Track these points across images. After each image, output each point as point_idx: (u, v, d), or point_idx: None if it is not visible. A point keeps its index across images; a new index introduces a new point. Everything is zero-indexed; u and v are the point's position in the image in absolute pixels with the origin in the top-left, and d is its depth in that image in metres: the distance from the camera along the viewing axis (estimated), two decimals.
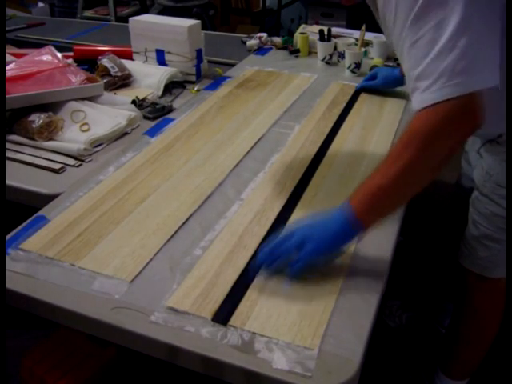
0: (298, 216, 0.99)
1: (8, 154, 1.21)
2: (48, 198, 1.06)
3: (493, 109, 0.95)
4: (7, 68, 1.40)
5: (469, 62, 0.72)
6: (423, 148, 0.76)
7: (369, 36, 1.80)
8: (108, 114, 1.35)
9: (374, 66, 1.70)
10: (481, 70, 0.73)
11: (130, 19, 1.71)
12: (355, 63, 1.69)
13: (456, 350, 1.32)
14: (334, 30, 1.97)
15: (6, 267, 0.85)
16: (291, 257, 0.81)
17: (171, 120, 1.39)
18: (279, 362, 0.69)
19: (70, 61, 1.58)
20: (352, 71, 1.70)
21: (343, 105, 1.48)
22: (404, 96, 1.51)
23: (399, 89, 1.52)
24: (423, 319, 1.67)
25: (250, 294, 0.80)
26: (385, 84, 1.52)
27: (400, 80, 1.46)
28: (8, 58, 1.56)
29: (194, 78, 1.68)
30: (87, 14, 3.44)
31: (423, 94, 0.75)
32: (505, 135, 0.99)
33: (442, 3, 0.72)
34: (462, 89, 0.72)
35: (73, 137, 1.25)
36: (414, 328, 1.65)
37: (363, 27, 1.67)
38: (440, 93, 0.73)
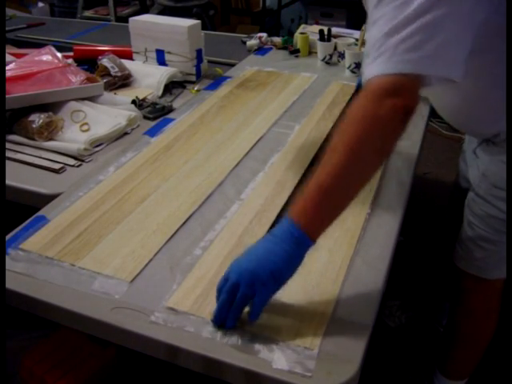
0: None
1: (8, 153, 1.21)
2: (48, 198, 1.06)
3: (489, 107, 0.95)
4: (7, 68, 1.40)
5: (420, 42, 0.69)
6: (358, 131, 0.71)
7: None
8: (108, 114, 1.35)
9: None
10: (432, 55, 0.70)
11: (130, 19, 1.71)
12: (355, 63, 1.69)
13: (453, 350, 1.32)
14: (334, 29, 1.97)
15: (6, 267, 0.85)
16: (247, 305, 0.73)
17: (171, 120, 1.39)
18: (279, 362, 0.69)
19: (70, 61, 1.58)
20: (352, 71, 1.70)
21: (343, 105, 1.48)
22: None
23: None
24: (423, 319, 1.67)
25: None
26: None
27: None
28: (8, 57, 1.56)
29: (194, 78, 1.68)
30: (87, 14, 3.44)
31: (366, 69, 0.73)
32: (502, 135, 0.98)
33: None
34: (404, 67, 0.69)
35: (73, 137, 1.25)
36: (414, 328, 1.65)
37: (363, 27, 1.67)
38: (380, 67, 0.71)
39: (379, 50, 0.71)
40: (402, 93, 0.70)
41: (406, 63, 0.69)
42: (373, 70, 0.72)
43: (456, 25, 0.71)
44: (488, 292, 1.19)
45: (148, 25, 1.67)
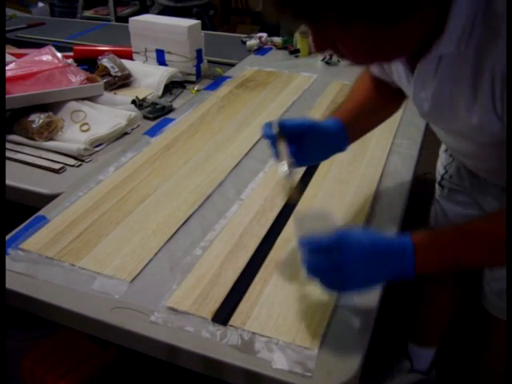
0: (298, 216, 0.99)
1: (8, 154, 1.21)
2: (48, 198, 1.06)
3: None
4: (7, 68, 1.40)
5: None
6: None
7: None
8: (108, 114, 1.35)
9: None
10: None
11: (130, 19, 1.71)
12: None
13: None
14: None
15: (6, 267, 0.85)
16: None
17: (171, 120, 1.39)
18: (279, 362, 0.69)
19: (70, 61, 1.58)
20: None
21: None
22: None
23: None
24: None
25: (250, 294, 0.80)
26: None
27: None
28: (8, 58, 1.56)
29: (194, 78, 1.68)
30: (87, 14, 3.44)
31: None
32: None
33: None
34: None
35: (73, 137, 1.25)
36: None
37: None
38: None
39: None
40: None
41: None
42: None
43: None
44: None
45: (148, 25, 1.67)
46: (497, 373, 1.17)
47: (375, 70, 0.90)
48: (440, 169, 1.18)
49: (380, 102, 0.92)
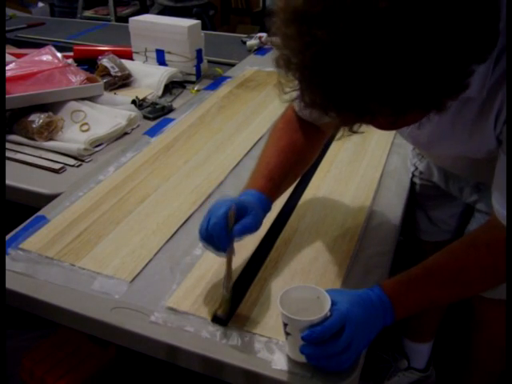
0: (298, 215, 0.99)
1: (8, 154, 1.21)
2: (48, 198, 1.06)
3: None
4: (7, 68, 1.40)
5: None
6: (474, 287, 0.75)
7: None
8: (108, 114, 1.35)
9: None
10: None
11: (130, 19, 1.71)
12: None
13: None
14: None
15: (6, 267, 0.85)
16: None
17: (171, 120, 1.39)
18: (279, 362, 0.69)
19: (70, 61, 1.58)
20: None
21: None
22: None
23: None
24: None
25: (250, 294, 0.80)
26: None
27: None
28: (8, 57, 1.56)
29: (194, 78, 1.68)
30: (87, 13, 3.44)
31: (498, 206, 0.69)
32: None
33: None
34: None
35: (73, 137, 1.25)
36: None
37: None
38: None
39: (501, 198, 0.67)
40: None
41: None
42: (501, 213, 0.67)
43: None
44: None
45: (148, 25, 1.68)
46: (487, 355, 1.19)
47: (305, 113, 0.86)
48: (409, 166, 1.18)
49: (305, 145, 0.89)
